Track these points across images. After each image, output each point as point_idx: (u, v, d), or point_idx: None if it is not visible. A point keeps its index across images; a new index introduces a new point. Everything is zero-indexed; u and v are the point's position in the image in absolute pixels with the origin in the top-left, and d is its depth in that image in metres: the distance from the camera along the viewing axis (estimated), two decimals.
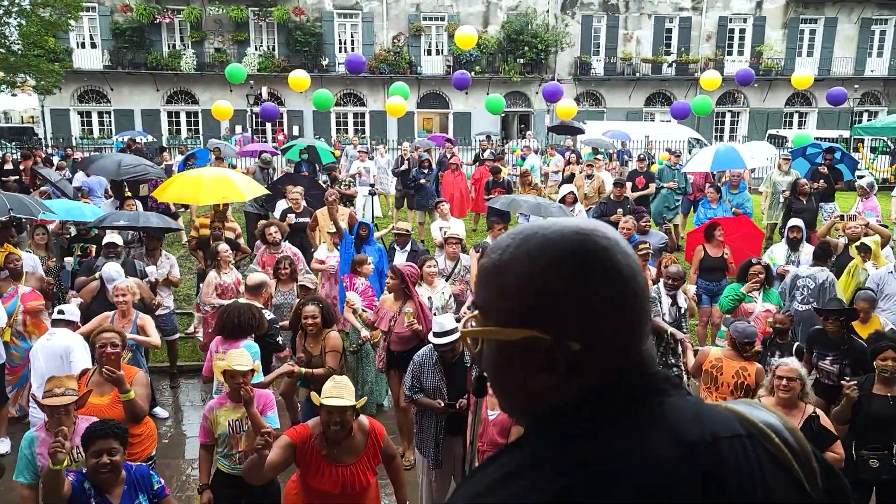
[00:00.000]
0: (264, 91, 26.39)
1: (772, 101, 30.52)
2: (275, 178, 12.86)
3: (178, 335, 8.09)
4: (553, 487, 0.84)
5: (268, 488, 4.39)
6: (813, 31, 30.46)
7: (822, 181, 11.84)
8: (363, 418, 4.03)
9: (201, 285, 8.10)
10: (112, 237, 7.74)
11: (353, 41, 28.96)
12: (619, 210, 9.91)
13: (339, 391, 3.81)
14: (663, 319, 6.44)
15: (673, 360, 6.33)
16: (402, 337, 5.93)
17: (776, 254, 8.28)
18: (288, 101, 27.99)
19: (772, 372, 4.60)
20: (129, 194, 10.95)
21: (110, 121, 28.62)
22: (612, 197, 10.76)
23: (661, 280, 6.69)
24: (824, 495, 0.95)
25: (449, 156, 14.39)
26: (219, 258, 7.44)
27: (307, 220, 9.56)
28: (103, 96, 28.62)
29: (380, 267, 7.77)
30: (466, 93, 25.36)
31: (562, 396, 0.93)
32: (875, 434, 4.70)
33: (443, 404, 4.73)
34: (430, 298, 6.44)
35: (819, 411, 4.53)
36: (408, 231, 8.57)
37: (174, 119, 29.16)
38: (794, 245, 8.18)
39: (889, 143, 21.36)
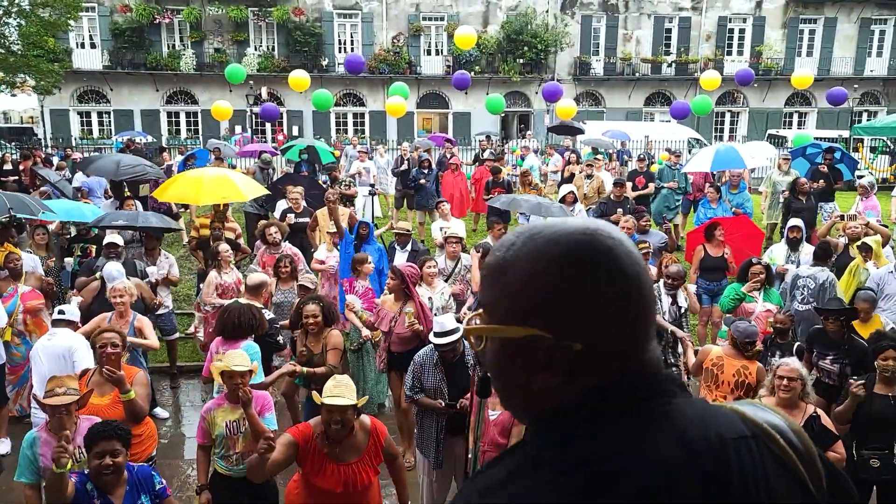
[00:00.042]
0: (264, 91, 26.39)
1: (771, 100, 30.53)
2: (275, 179, 12.86)
3: (177, 335, 8.09)
4: (554, 488, 0.85)
5: (266, 489, 4.39)
6: (812, 31, 30.47)
7: (821, 181, 11.85)
8: (365, 417, 4.03)
9: (201, 285, 8.09)
10: (113, 237, 7.74)
11: (352, 41, 28.96)
12: (619, 210, 9.92)
13: (339, 390, 3.81)
14: (663, 318, 6.44)
15: (672, 360, 6.34)
16: (402, 338, 5.93)
17: (776, 254, 8.28)
18: (287, 102, 27.99)
19: (773, 372, 4.60)
20: (129, 194, 10.94)
21: (110, 121, 28.62)
22: (611, 197, 10.77)
23: (661, 279, 6.70)
24: (829, 497, 0.95)
25: (449, 156, 14.39)
26: (219, 258, 7.44)
27: (307, 220, 9.56)
28: (103, 96, 28.61)
29: (380, 266, 7.77)
30: (466, 93, 25.36)
31: (564, 396, 0.93)
32: (876, 434, 4.70)
33: (444, 405, 4.73)
34: (430, 299, 6.44)
35: (820, 411, 4.53)
36: (408, 231, 8.57)
37: (174, 119, 29.16)
38: (793, 245, 8.18)
39: (889, 142, 21.36)
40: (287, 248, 8.08)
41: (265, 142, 25.29)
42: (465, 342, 4.96)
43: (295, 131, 28.05)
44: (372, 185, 12.50)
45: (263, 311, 5.99)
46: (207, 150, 16.76)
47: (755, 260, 7.10)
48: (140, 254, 8.12)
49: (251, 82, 24.05)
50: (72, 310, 5.83)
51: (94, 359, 5.01)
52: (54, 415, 3.97)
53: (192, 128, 29.05)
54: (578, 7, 29.63)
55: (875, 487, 4.78)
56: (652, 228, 9.22)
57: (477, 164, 15.61)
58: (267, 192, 10.07)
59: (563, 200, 10.21)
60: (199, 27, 27.87)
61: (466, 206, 13.23)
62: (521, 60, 28.75)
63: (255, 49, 28.32)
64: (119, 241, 7.68)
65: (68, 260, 8.55)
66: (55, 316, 5.73)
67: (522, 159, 16.88)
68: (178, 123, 29.15)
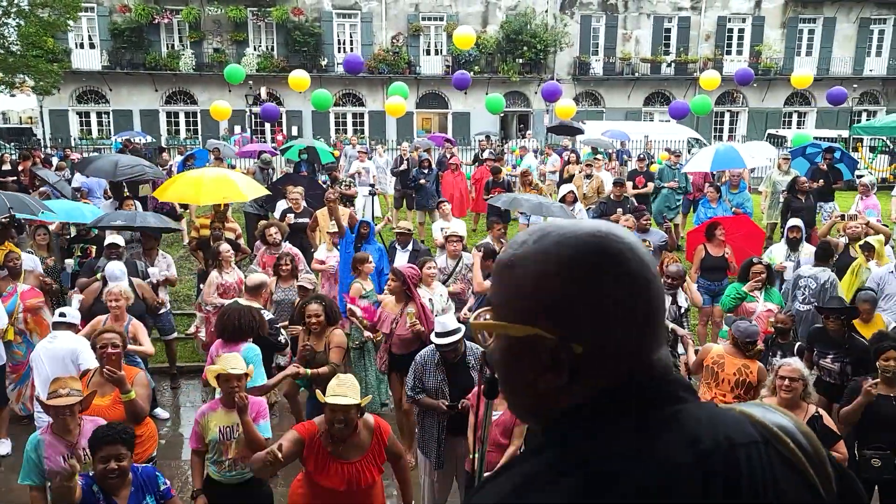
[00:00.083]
0: (263, 91, 26.39)
1: (771, 100, 30.55)
2: (274, 179, 12.85)
3: (175, 335, 8.09)
4: (554, 488, 0.85)
5: (260, 496, 4.39)
6: (812, 31, 30.50)
7: (821, 180, 11.86)
8: (368, 416, 4.03)
9: (202, 286, 8.09)
10: (114, 238, 7.74)
11: (351, 41, 28.96)
12: (619, 210, 9.92)
13: (343, 389, 3.81)
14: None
15: (672, 359, 6.34)
16: (403, 339, 5.92)
17: (775, 254, 8.28)
18: (287, 102, 27.99)
19: (774, 372, 4.60)
20: (128, 195, 10.93)
21: (109, 121, 28.61)
22: (611, 197, 10.77)
23: (661, 279, 6.69)
24: (838, 498, 0.94)
25: (448, 156, 14.39)
26: (220, 258, 7.43)
27: (307, 220, 9.55)
28: (102, 97, 28.60)
29: (380, 266, 7.77)
30: (465, 93, 25.36)
31: (572, 398, 0.93)
32: (877, 434, 4.71)
33: (446, 405, 4.72)
34: (430, 300, 6.43)
35: (821, 411, 4.54)
36: (409, 230, 8.56)
37: (173, 119, 29.15)
38: (793, 245, 8.18)
39: (888, 142, 21.38)
40: (287, 248, 8.08)
41: (264, 142, 25.29)
42: (467, 342, 4.97)
43: (294, 131, 28.05)
44: (372, 186, 12.49)
45: (263, 311, 5.98)
46: (207, 151, 16.75)
47: (756, 259, 7.11)
48: (139, 254, 8.12)
49: (250, 82, 24.04)
50: (72, 312, 5.81)
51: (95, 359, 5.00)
52: (58, 416, 3.97)
53: (192, 128, 29.05)
54: (578, 7, 29.64)
55: (877, 487, 4.78)
56: (652, 227, 9.24)
57: (476, 164, 15.61)
58: (267, 192, 10.06)
59: (562, 200, 10.21)
60: (198, 27, 27.86)
61: (466, 206, 13.23)
62: (521, 60, 28.76)
63: (255, 49, 28.32)
64: (120, 241, 7.67)
65: (69, 261, 8.54)
66: (56, 319, 5.71)
67: (522, 159, 16.89)
68: (177, 124, 29.15)
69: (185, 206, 12.29)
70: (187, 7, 27.41)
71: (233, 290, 7.24)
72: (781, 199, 11.27)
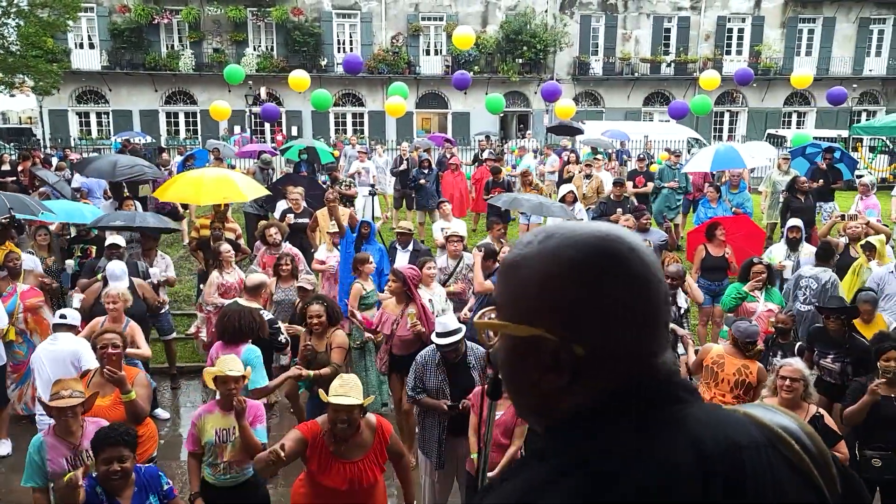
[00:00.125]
0: (262, 91, 26.37)
1: (770, 100, 30.56)
2: (274, 179, 12.85)
3: (174, 335, 8.09)
4: (554, 488, 0.85)
5: (256, 497, 4.39)
6: (811, 31, 30.50)
7: (820, 180, 11.86)
8: (371, 415, 4.04)
9: (202, 286, 8.08)
10: (115, 238, 7.73)
11: (351, 41, 28.95)
12: (619, 210, 9.92)
13: (346, 389, 3.82)
14: None
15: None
16: (404, 340, 5.92)
17: (775, 254, 8.28)
18: (286, 102, 27.99)
19: (775, 372, 4.60)
20: (128, 195, 10.93)
21: (109, 121, 28.60)
22: (611, 197, 10.77)
23: None
24: (842, 499, 0.94)
25: (448, 156, 14.39)
26: (221, 258, 7.43)
27: (307, 220, 9.55)
28: (101, 97, 28.59)
29: (380, 267, 7.76)
30: (465, 93, 25.35)
31: (576, 398, 0.93)
32: (879, 434, 4.71)
33: (447, 406, 4.72)
34: (430, 301, 6.43)
35: (822, 411, 4.54)
36: (410, 230, 8.56)
37: (172, 120, 29.14)
38: (793, 245, 8.18)
39: (888, 142, 21.38)
40: (287, 248, 8.08)
41: (264, 142, 25.29)
42: (467, 342, 4.97)
43: (294, 131, 28.04)
44: (372, 186, 12.49)
45: (262, 311, 5.97)
46: (206, 151, 16.74)
47: (756, 259, 7.11)
48: (138, 254, 8.12)
49: (250, 82, 24.04)
50: (73, 314, 5.80)
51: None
52: (60, 418, 3.96)
53: (191, 128, 29.04)
54: (577, 7, 29.64)
55: (878, 488, 4.78)
56: (652, 227, 9.24)
57: (476, 164, 15.60)
58: (267, 192, 10.06)
59: (562, 200, 10.21)
60: (197, 27, 27.85)
61: (466, 206, 13.23)
62: (520, 60, 28.76)
63: (254, 49, 28.31)
64: (121, 241, 7.66)
65: (69, 262, 8.54)
66: (57, 320, 5.70)
67: (521, 159, 16.89)
68: (176, 124, 29.14)
69: (185, 206, 12.30)
70: (187, 7, 27.40)
71: (234, 291, 7.23)
72: (781, 199, 11.28)
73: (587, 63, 29.80)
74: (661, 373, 0.94)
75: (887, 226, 9.36)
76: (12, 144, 22.86)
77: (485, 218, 12.16)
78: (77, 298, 6.95)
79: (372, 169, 14.18)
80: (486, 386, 1.43)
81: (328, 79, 27.36)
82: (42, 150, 21.13)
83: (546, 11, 29.17)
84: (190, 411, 7.34)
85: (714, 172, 12.43)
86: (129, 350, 5.86)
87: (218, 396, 4.39)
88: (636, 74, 29.99)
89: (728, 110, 31.05)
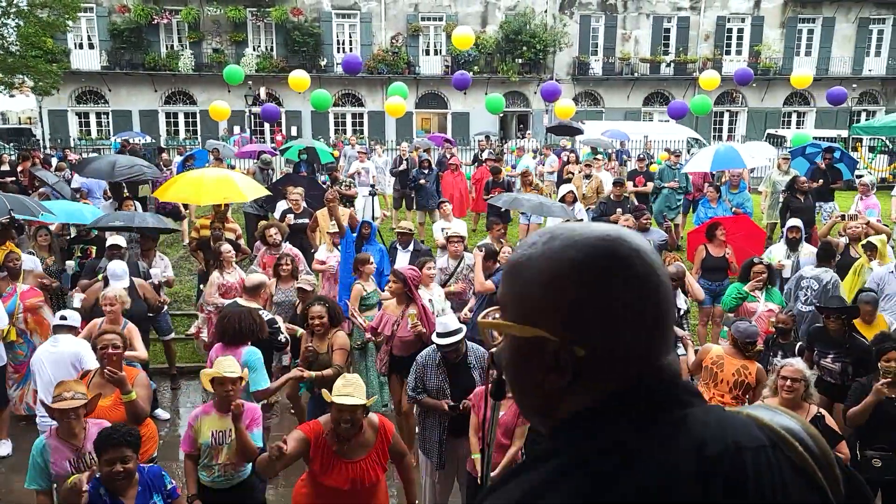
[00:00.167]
0: (262, 91, 26.36)
1: (770, 100, 30.57)
2: (274, 179, 12.84)
3: (173, 335, 8.09)
4: (554, 488, 0.85)
5: (252, 499, 4.38)
6: (811, 31, 30.51)
7: (820, 180, 11.86)
8: (373, 415, 4.04)
9: (202, 286, 8.07)
10: (116, 239, 7.72)
11: (351, 41, 28.95)
12: (619, 210, 9.92)
13: (349, 389, 3.81)
14: None
15: None
16: (404, 341, 5.91)
17: (775, 254, 8.28)
18: (286, 102, 27.99)
19: (776, 372, 4.60)
20: (128, 195, 10.92)
21: (108, 122, 28.60)
22: (611, 197, 10.77)
23: None
24: (846, 500, 0.94)
25: (448, 156, 14.39)
26: (221, 258, 7.42)
27: (306, 220, 9.55)
28: (101, 97, 28.59)
29: (381, 267, 7.76)
30: (465, 93, 25.35)
31: (579, 399, 0.93)
32: (879, 434, 4.71)
33: (448, 406, 4.72)
34: (430, 301, 6.43)
35: (823, 411, 4.53)
36: (410, 231, 8.56)
37: (172, 120, 29.13)
38: (793, 245, 8.18)
39: (887, 142, 21.39)
40: (287, 248, 8.07)
41: (264, 142, 25.28)
42: (468, 343, 4.96)
43: (294, 132, 28.03)
44: (372, 186, 12.49)
45: (262, 311, 5.96)
46: (206, 151, 16.73)
47: (757, 259, 7.11)
48: (138, 254, 8.11)
49: (250, 82, 24.02)
50: (73, 315, 5.79)
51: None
52: (63, 420, 3.96)
53: (191, 128, 29.03)
54: (577, 7, 29.64)
55: (879, 488, 4.78)
56: (652, 227, 9.24)
57: (476, 164, 15.60)
58: (267, 192, 10.06)
59: (562, 200, 10.22)
60: (197, 27, 27.85)
61: (466, 207, 13.23)
62: (520, 60, 28.76)
63: (254, 49, 28.31)
64: (122, 242, 7.65)
65: (69, 263, 8.53)
66: (57, 322, 5.69)
67: (520, 160, 16.89)
68: (176, 124, 29.13)
69: (185, 207, 12.30)
70: (186, 7, 27.39)
71: (234, 291, 7.23)
72: (781, 199, 11.28)
73: (587, 63, 29.80)
74: (666, 374, 0.94)
75: (887, 226, 9.35)
76: (12, 145, 22.84)
77: (485, 218, 12.16)
78: (77, 299, 6.94)
79: (372, 169, 14.17)
80: (488, 386, 1.42)
81: (328, 79, 27.35)
82: (42, 150, 21.11)
83: (546, 11, 29.17)
84: (190, 412, 7.33)
85: (714, 172, 12.43)
86: (126, 352, 5.86)
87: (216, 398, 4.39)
88: (636, 74, 29.99)
89: (728, 110, 31.06)
